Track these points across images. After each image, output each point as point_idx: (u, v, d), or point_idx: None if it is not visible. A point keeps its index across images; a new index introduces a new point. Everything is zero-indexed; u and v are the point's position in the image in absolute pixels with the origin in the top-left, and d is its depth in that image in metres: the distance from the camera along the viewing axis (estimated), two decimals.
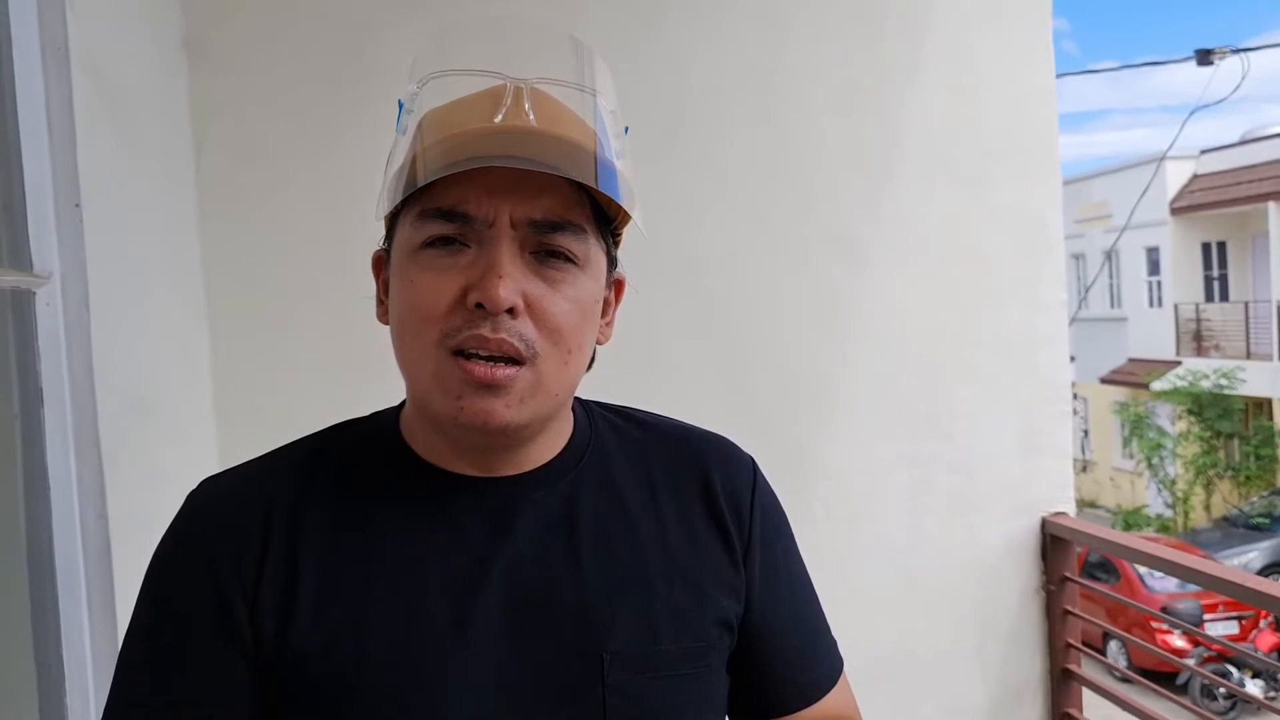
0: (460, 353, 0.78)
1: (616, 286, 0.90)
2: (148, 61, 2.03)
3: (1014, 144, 2.69)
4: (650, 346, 2.44)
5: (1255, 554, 13.75)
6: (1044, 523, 2.67)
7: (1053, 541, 2.66)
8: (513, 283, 0.77)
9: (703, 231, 2.52)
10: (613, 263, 0.88)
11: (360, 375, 2.35)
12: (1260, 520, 14.90)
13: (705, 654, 0.87)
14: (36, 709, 1.50)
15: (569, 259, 0.80)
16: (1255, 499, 16.30)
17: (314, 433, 0.90)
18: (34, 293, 1.50)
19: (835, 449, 2.63)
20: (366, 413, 0.93)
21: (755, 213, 2.58)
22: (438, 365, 0.78)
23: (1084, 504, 20.06)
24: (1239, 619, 10.70)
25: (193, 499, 0.85)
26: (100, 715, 0.83)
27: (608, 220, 0.84)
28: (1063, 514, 2.69)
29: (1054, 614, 2.66)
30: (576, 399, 0.92)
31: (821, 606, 0.98)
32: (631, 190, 0.82)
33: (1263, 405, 18.19)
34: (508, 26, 0.88)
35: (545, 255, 0.80)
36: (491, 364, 0.77)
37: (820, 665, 0.95)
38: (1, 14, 1.47)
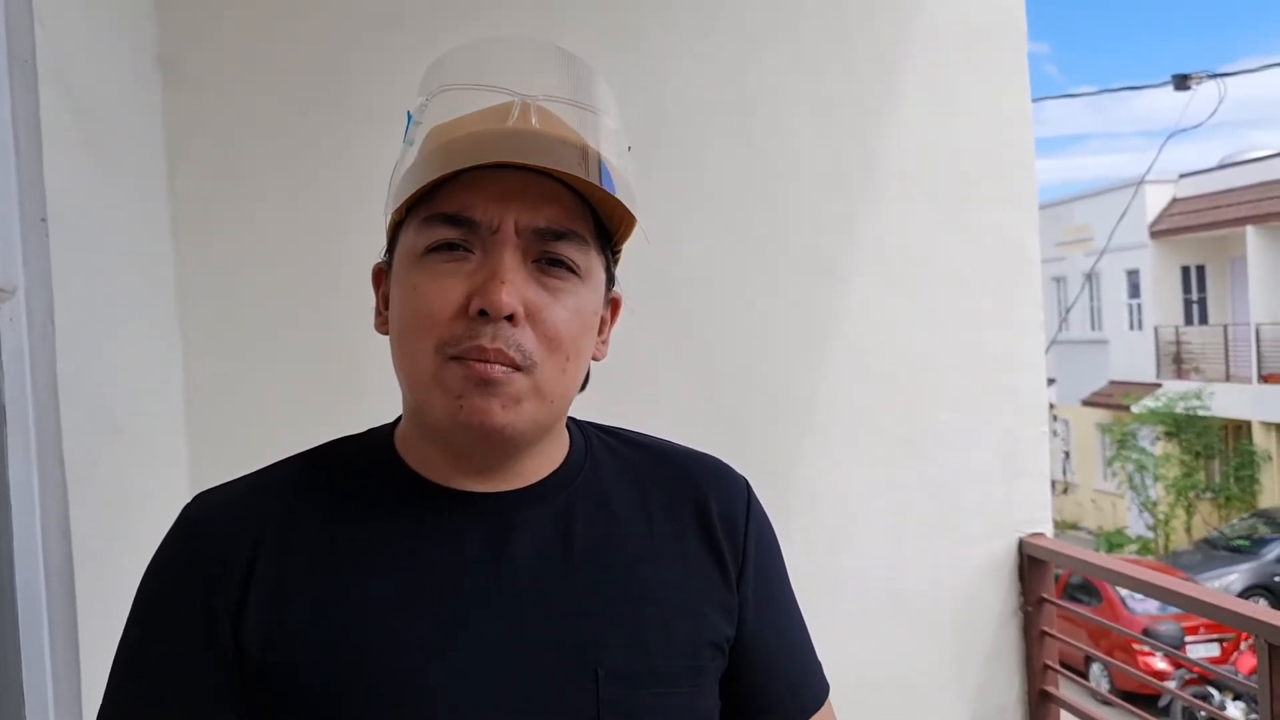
0: (459, 360, 0.79)
1: (613, 305, 0.91)
2: (120, 77, 2.02)
3: (991, 167, 2.70)
4: (625, 366, 2.42)
5: (1236, 576, 13.81)
6: (1021, 544, 2.67)
7: (1030, 562, 2.65)
8: (515, 289, 0.78)
9: (679, 251, 2.52)
10: (611, 280, 0.89)
11: (335, 394, 2.35)
12: (1241, 542, 14.97)
13: (697, 673, 0.87)
14: None
15: (570, 269, 0.82)
16: (1236, 521, 16.39)
17: (309, 449, 0.91)
18: None
19: (813, 470, 2.62)
20: (342, 431, 0.93)
21: (732, 232, 2.58)
22: (437, 369, 0.79)
23: (1066, 526, 20.14)
24: (1220, 641, 10.72)
25: (186, 513, 0.86)
26: None
27: (608, 236, 0.86)
28: (1040, 535, 2.69)
29: (1031, 635, 2.65)
30: (571, 418, 0.93)
31: (808, 629, 0.98)
32: (634, 198, 0.84)
33: (1242, 427, 18.32)
34: (513, 46, 0.90)
35: (547, 264, 0.81)
36: (489, 365, 0.78)
37: (808, 689, 0.96)
38: None
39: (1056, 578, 2.76)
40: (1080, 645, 2.77)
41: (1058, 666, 2.64)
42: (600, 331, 0.89)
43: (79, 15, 1.74)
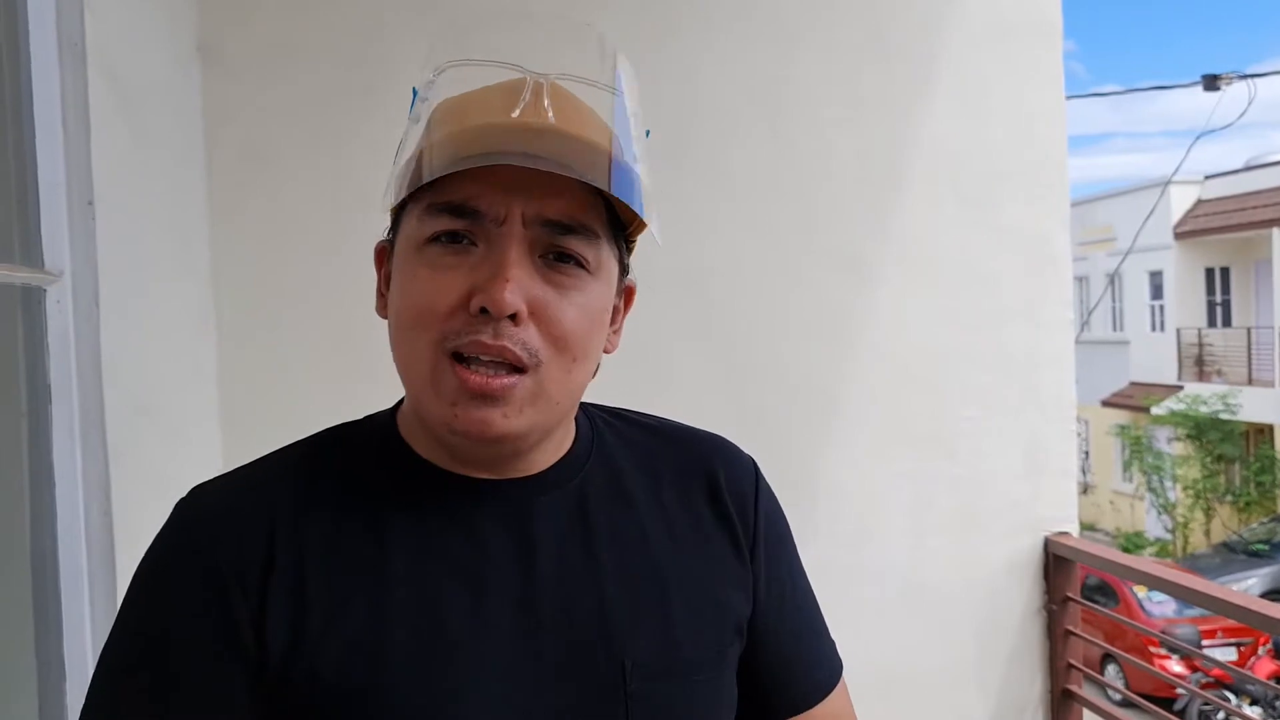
0: (458, 356, 0.74)
1: (627, 294, 0.86)
2: (162, 63, 2.04)
3: (1022, 164, 2.69)
4: (652, 357, 2.43)
5: (1255, 580, 13.70)
6: (1047, 542, 2.67)
7: (1055, 561, 2.65)
8: (519, 287, 0.73)
9: (708, 243, 2.52)
10: (624, 270, 0.84)
11: (365, 380, 2.34)
12: (1260, 546, 14.84)
13: (720, 658, 0.85)
14: (36, 707, 1.50)
15: (580, 264, 0.77)
16: (1255, 525, 16.26)
17: (306, 437, 0.85)
18: (45, 290, 1.51)
19: (838, 465, 2.62)
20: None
21: (761, 226, 2.58)
22: (434, 368, 0.75)
23: (1084, 527, 19.85)
24: (1238, 645, 10.65)
25: (184, 509, 0.79)
26: None
27: (622, 226, 0.81)
28: (1065, 534, 2.69)
29: (1055, 634, 2.65)
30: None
31: (820, 609, 0.97)
32: (649, 197, 0.78)
33: (1264, 431, 18.16)
34: (530, 19, 0.84)
35: (555, 259, 0.76)
36: (490, 372, 0.74)
37: (821, 668, 0.94)
38: (20, 11, 1.48)
39: None
40: (1101, 644, 2.77)
41: (1081, 666, 2.64)
42: (613, 321, 0.84)
43: (124, 2, 1.76)
